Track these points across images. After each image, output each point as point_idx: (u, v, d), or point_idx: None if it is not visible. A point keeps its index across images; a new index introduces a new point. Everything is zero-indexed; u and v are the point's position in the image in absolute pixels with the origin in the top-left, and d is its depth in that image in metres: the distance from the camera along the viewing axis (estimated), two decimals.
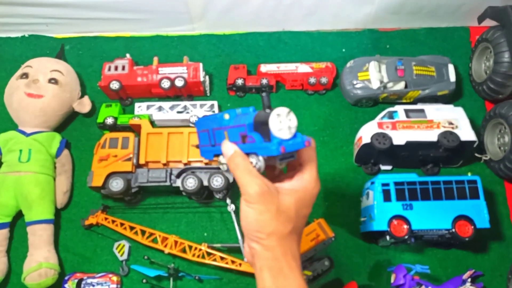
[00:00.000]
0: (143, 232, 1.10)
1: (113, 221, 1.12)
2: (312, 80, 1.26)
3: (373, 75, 1.23)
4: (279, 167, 0.60)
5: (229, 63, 1.32)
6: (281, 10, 1.34)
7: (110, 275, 1.08)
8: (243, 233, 0.59)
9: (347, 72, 1.27)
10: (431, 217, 1.01)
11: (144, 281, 1.07)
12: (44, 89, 1.18)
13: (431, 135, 1.09)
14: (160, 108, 1.25)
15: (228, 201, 1.07)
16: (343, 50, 1.37)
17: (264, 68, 1.30)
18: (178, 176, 1.09)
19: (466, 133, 1.08)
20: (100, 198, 1.17)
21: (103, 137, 1.15)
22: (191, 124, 1.22)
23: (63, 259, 1.12)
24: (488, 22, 1.20)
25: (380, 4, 1.31)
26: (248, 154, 0.57)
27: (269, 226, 0.55)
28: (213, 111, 1.25)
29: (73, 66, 1.30)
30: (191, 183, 1.08)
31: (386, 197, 1.03)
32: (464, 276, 1.03)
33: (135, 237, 1.10)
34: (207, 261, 1.05)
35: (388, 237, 1.01)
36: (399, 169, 1.20)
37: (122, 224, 1.11)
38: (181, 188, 1.08)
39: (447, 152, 1.10)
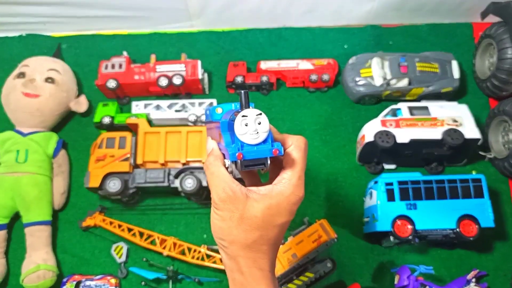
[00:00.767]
0: (141, 234, 1.09)
1: (111, 223, 1.10)
2: (314, 77, 1.24)
3: (376, 71, 1.21)
4: (262, 172, 0.53)
5: (228, 60, 1.30)
6: (281, 6, 1.32)
7: (109, 277, 1.07)
8: None
9: (349, 69, 1.25)
10: (435, 216, 1.00)
11: (143, 283, 1.06)
12: (41, 88, 1.17)
13: (435, 133, 1.07)
14: (158, 107, 1.23)
15: None
16: (345, 46, 1.35)
17: (264, 65, 1.28)
18: (176, 176, 1.08)
19: (471, 131, 1.07)
20: (98, 199, 1.16)
21: (100, 137, 1.14)
22: (189, 123, 1.20)
23: (61, 261, 1.11)
24: (491, 18, 1.18)
25: (382, 0, 1.29)
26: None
27: (230, 233, 0.50)
28: None
29: (70, 65, 1.29)
30: (189, 184, 1.06)
31: (390, 196, 1.02)
32: (469, 276, 1.01)
33: (133, 239, 1.08)
34: (206, 263, 1.04)
35: (392, 238, 1.00)
36: (402, 168, 1.18)
37: (120, 226, 1.10)
38: (180, 189, 1.07)
39: (451, 150, 1.08)
